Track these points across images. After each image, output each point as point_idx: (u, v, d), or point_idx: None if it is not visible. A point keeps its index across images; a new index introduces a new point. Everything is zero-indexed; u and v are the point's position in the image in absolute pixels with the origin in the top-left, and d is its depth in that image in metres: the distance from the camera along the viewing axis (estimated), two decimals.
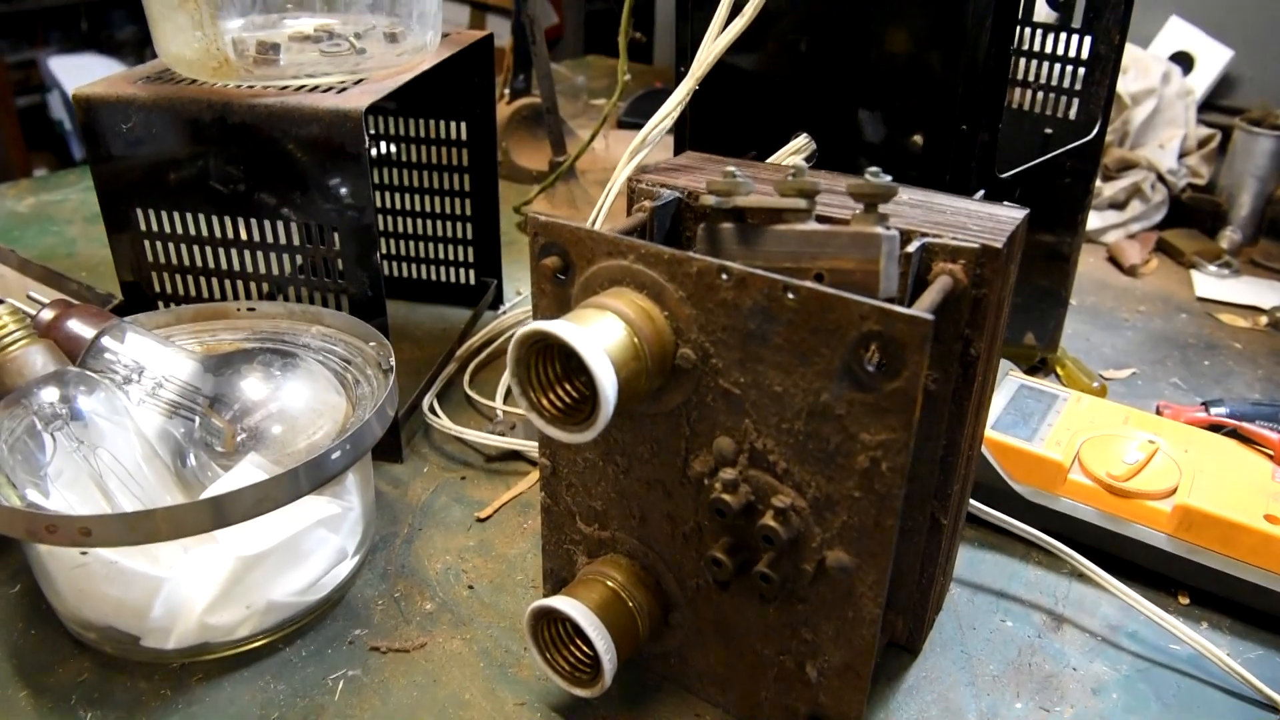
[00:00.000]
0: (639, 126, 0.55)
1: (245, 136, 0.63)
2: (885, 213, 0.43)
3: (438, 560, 0.63)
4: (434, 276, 0.95)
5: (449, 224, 0.92)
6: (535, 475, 0.70)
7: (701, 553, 0.48)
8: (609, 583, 0.50)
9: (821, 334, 0.39)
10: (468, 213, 0.91)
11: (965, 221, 0.47)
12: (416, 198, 0.91)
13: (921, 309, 0.38)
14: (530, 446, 0.71)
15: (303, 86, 0.64)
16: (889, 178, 0.42)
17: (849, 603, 0.44)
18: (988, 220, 0.47)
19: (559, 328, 0.39)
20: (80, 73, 2.77)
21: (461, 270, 0.94)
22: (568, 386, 0.43)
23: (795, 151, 0.66)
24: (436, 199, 0.91)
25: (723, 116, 0.71)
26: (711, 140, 0.70)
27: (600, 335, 0.41)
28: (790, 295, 0.39)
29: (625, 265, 0.43)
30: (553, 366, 0.43)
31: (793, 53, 0.67)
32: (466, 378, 0.82)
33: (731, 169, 0.45)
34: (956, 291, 0.44)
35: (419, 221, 0.93)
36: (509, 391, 0.80)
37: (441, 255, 0.94)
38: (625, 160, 0.54)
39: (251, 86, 0.64)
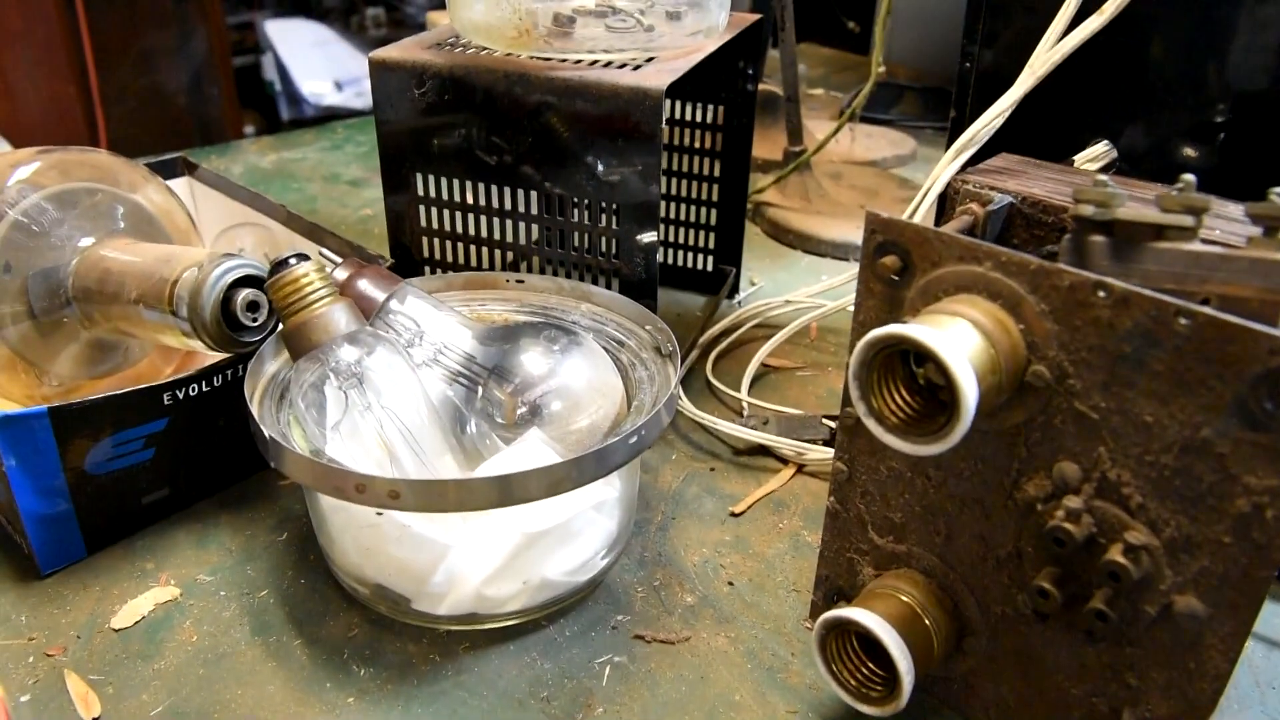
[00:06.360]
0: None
1: (539, 108, 0.62)
2: None
3: (694, 552, 0.62)
4: (673, 261, 0.94)
5: (694, 209, 0.91)
6: (788, 473, 0.68)
7: (1015, 579, 0.45)
8: (904, 598, 0.48)
9: (1215, 365, 0.36)
10: (714, 198, 0.89)
11: None
12: (666, 181, 0.90)
13: None
14: (781, 443, 0.70)
15: (595, 61, 0.64)
16: None
17: (1192, 653, 0.41)
18: None
19: (921, 333, 0.37)
20: (290, 35, 2.91)
21: (701, 256, 0.93)
22: (907, 395, 0.41)
23: (1092, 160, 0.62)
24: (684, 183, 0.90)
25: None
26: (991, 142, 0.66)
27: (960, 343, 0.38)
28: (1182, 320, 0.36)
29: (979, 272, 0.41)
30: (893, 372, 0.41)
31: (1110, 54, 0.63)
32: (709, 365, 0.80)
33: (1103, 178, 0.42)
34: None
35: (666, 205, 0.91)
36: (753, 382, 0.78)
37: (683, 240, 0.92)
38: (949, 159, 0.51)
39: (548, 59, 0.64)
